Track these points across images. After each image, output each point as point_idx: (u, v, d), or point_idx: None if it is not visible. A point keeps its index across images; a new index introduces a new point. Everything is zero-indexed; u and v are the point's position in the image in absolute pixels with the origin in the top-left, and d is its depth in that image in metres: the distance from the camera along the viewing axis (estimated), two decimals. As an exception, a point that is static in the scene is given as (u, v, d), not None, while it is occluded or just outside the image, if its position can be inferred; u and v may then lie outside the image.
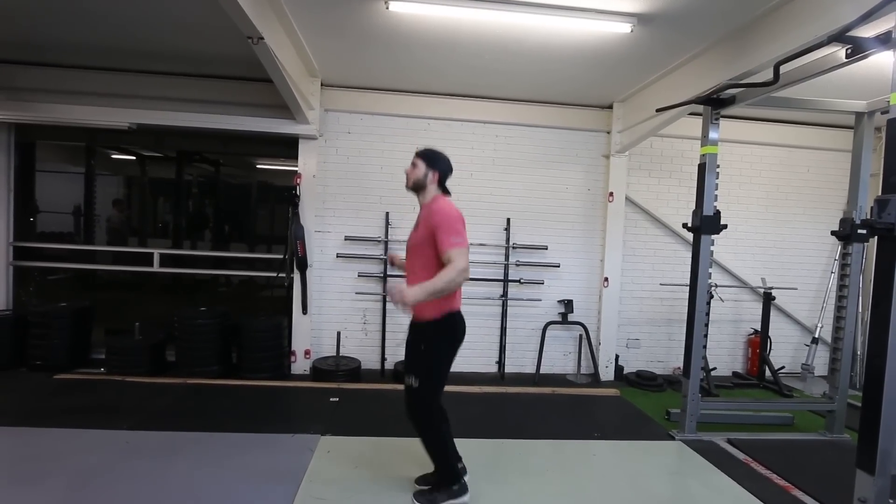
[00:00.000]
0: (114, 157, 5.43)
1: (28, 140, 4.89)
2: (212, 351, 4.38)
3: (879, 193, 2.09)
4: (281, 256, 4.67)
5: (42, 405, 3.54)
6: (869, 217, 2.10)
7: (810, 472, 2.96)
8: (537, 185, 5.02)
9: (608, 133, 4.99)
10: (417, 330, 2.39)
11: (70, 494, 2.39)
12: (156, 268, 4.82)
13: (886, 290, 2.02)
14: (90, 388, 3.90)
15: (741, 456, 3.19)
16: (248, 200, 5.66)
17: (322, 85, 4.63)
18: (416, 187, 2.42)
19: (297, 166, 4.69)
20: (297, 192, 4.63)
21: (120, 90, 4.52)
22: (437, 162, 2.42)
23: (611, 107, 4.93)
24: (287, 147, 4.75)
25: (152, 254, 4.83)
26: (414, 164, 2.42)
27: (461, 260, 2.17)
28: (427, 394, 2.37)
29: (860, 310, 4.44)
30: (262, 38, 2.87)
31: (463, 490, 2.45)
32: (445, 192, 2.46)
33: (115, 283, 5.36)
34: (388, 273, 4.79)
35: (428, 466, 2.51)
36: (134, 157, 5.43)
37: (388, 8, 3.09)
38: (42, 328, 4.35)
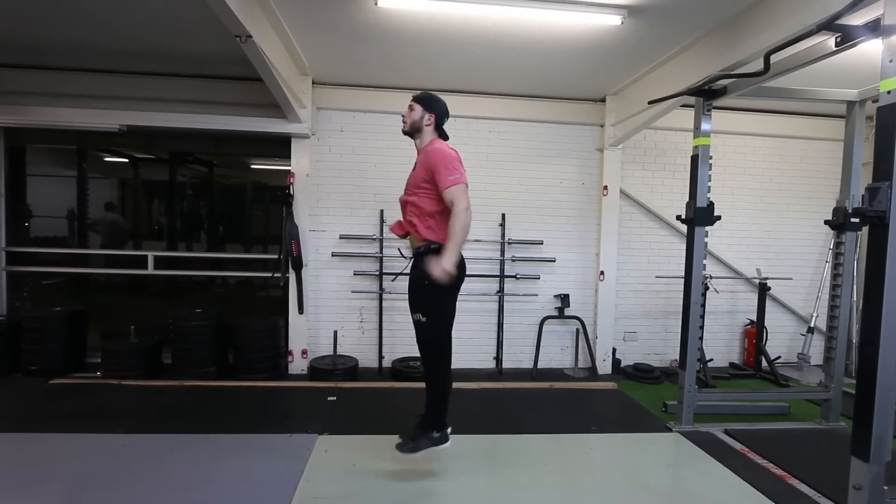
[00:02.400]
0: (106, 159, 5.40)
1: (18, 144, 4.84)
2: (208, 352, 4.36)
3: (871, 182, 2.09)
4: (276, 256, 4.65)
5: (37, 410, 3.52)
6: (861, 205, 2.10)
7: (806, 461, 2.97)
8: (532, 180, 5.01)
9: (601, 126, 4.98)
10: (419, 265, 2.43)
11: (65, 499, 2.38)
12: (150, 270, 4.80)
13: (878, 278, 2.02)
14: (86, 393, 3.88)
15: (738, 446, 3.20)
16: (242, 201, 5.64)
17: (313, 83, 4.60)
18: (413, 130, 2.52)
19: (290, 166, 4.66)
20: (291, 192, 4.61)
21: (109, 92, 4.48)
22: (433, 105, 2.53)
23: (604, 100, 4.92)
24: (280, 146, 4.73)
25: (146, 256, 4.80)
26: (411, 108, 2.53)
27: (462, 200, 2.32)
28: (436, 327, 2.45)
29: (854, 298, 4.45)
30: (251, 37, 2.85)
31: (444, 438, 2.52)
32: (442, 135, 2.56)
33: (109, 286, 5.34)
34: (384, 271, 4.78)
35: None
36: (126, 160, 5.40)
37: (377, 4, 3.07)
38: (36, 333, 4.33)
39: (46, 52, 4.18)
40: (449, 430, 2.57)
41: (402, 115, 2.55)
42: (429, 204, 2.42)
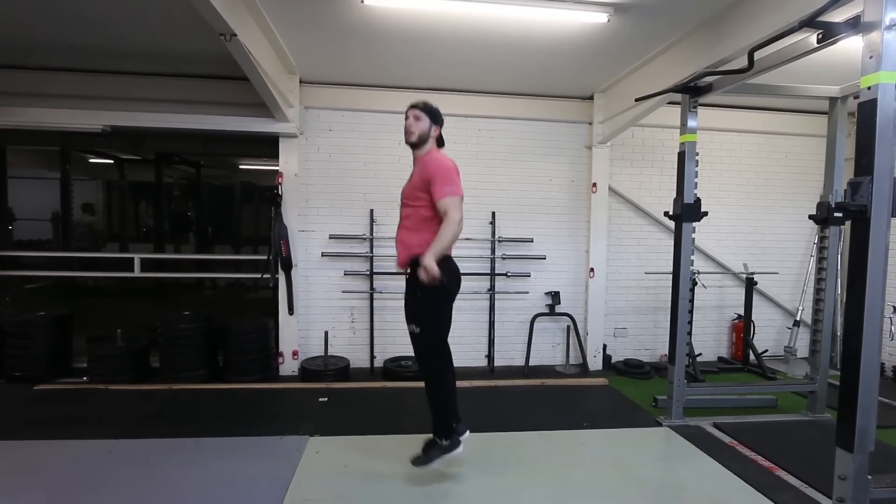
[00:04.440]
0: (91, 161, 5.31)
1: (-2, 146, 4.75)
2: (197, 355, 4.32)
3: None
4: (265, 257, 4.61)
5: (21, 417, 3.45)
6: (843, 200, 2.13)
7: (793, 452, 3.02)
8: (521, 178, 5.02)
9: (590, 124, 5.01)
10: (414, 276, 2.41)
11: (52, 506, 2.34)
12: (137, 273, 4.73)
13: (860, 271, 2.05)
14: (72, 398, 3.82)
15: (727, 439, 3.24)
16: (230, 201, 5.58)
17: (301, 82, 4.57)
18: (421, 141, 2.46)
19: (278, 165, 4.62)
20: (280, 192, 4.57)
21: (92, 92, 4.40)
22: (438, 117, 2.52)
23: (591, 98, 4.94)
24: (268, 146, 4.68)
25: (133, 259, 4.73)
26: (417, 118, 2.45)
27: (456, 211, 2.29)
28: (431, 337, 2.43)
29: (839, 291, 4.53)
30: (235, 35, 2.81)
31: (454, 445, 2.52)
32: (440, 144, 2.55)
33: (95, 289, 5.25)
34: (375, 271, 4.77)
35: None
36: (111, 161, 5.31)
37: (363, 2, 3.05)
38: (20, 338, 4.25)
39: (26, 51, 4.09)
40: (465, 435, 2.56)
41: (408, 125, 2.44)
42: (424, 214, 2.39)
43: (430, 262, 2.21)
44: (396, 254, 2.53)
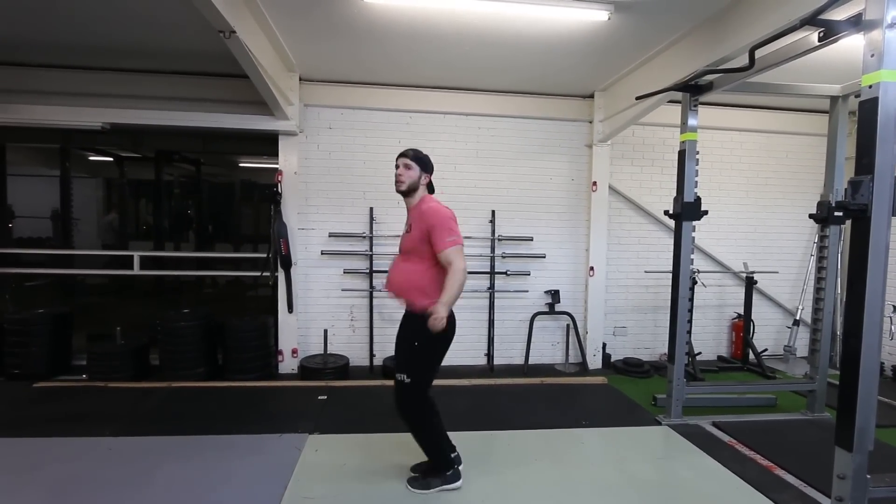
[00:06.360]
0: (90, 158, 5.30)
1: (-3, 143, 4.74)
2: (197, 353, 4.31)
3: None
4: (265, 255, 4.61)
5: (21, 414, 3.46)
6: (844, 199, 2.12)
7: (792, 452, 3.02)
8: (521, 177, 5.01)
9: (590, 122, 4.99)
10: (409, 325, 2.41)
11: (50, 504, 2.34)
12: (136, 271, 4.72)
13: (860, 271, 2.05)
14: (71, 396, 3.82)
15: (726, 438, 3.24)
16: (230, 199, 5.57)
17: (301, 80, 4.55)
18: (410, 189, 2.45)
19: (278, 163, 4.62)
20: (279, 190, 4.56)
21: (91, 89, 4.39)
22: (428, 164, 2.50)
23: (592, 96, 4.93)
24: (268, 144, 4.67)
25: (132, 256, 4.73)
26: (407, 167, 2.43)
27: (459, 260, 2.28)
28: (417, 389, 2.40)
29: (839, 291, 4.53)
30: (234, 32, 2.80)
31: (456, 476, 2.51)
32: (431, 190, 2.53)
33: (95, 287, 5.25)
34: (374, 269, 4.76)
35: (421, 456, 2.53)
36: (111, 159, 5.30)
37: (363, -1, 3.04)
38: (19, 336, 4.25)
39: (25, 48, 4.08)
40: (461, 466, 2.56)
41: (398, 174, 2.43)
42: (422, 267, 2.36)
43: (442, 312, 2.20)
44: (394, 293, 2.48)
